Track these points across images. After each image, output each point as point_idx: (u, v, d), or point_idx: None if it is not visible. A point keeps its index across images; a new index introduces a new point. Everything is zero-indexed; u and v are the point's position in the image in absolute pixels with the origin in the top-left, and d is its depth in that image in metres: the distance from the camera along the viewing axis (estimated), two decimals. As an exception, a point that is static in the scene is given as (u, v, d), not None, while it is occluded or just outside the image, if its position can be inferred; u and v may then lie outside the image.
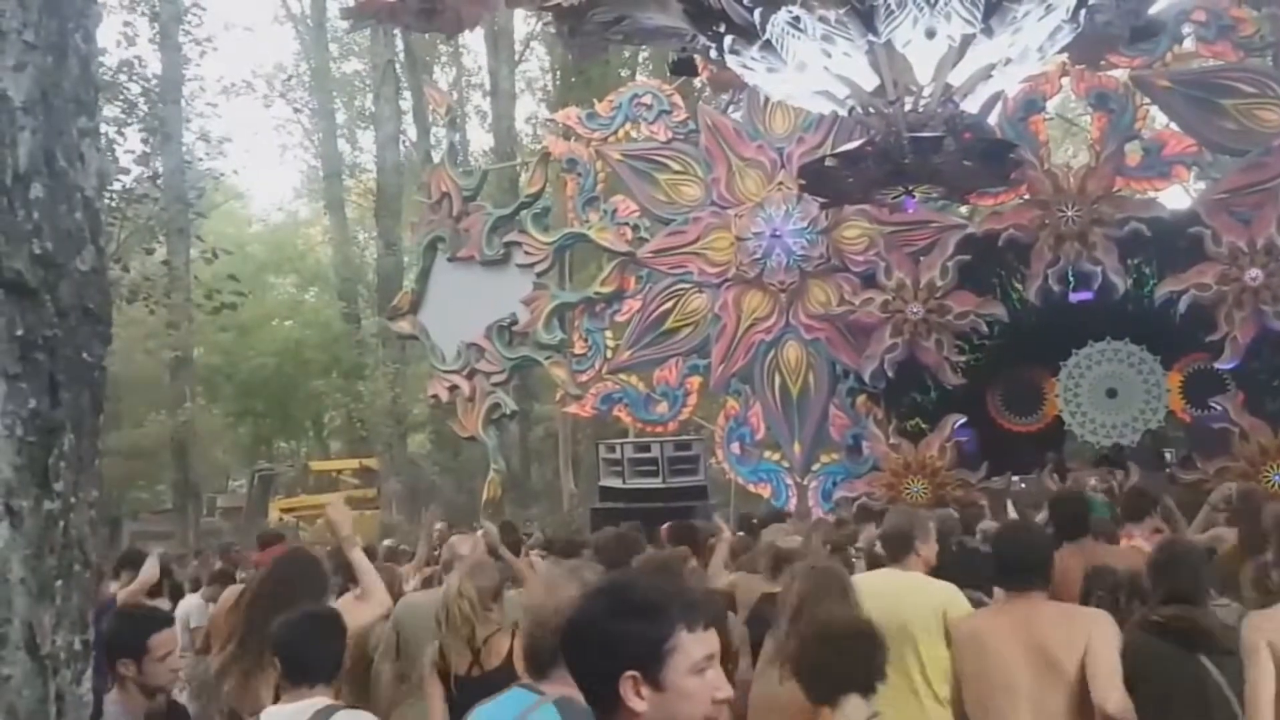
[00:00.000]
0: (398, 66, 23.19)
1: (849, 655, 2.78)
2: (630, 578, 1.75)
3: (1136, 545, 4.91)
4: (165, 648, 3.14)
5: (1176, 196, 12.26)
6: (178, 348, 19.44)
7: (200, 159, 19.60)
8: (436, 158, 15.33)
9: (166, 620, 3.38)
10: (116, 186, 13.18)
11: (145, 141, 15.94)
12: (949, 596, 3.76)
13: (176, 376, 20.27)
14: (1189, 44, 10.40)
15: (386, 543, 11.03)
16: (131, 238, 14.40)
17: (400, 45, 22.69)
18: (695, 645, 1.59)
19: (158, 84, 16.26)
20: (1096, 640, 3.19)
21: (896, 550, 4.06)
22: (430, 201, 13.08)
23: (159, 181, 16.15)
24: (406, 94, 24.33)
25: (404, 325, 13.37)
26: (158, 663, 3.09)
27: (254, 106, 31.95)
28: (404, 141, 25.30)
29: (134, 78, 14.76)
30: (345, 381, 24.61)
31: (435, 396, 13.08)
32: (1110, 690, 3.08)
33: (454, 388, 12.67)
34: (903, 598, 3.74)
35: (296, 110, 29.20)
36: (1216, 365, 9.86)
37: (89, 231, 1.05)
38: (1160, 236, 9.97)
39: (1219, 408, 9.73)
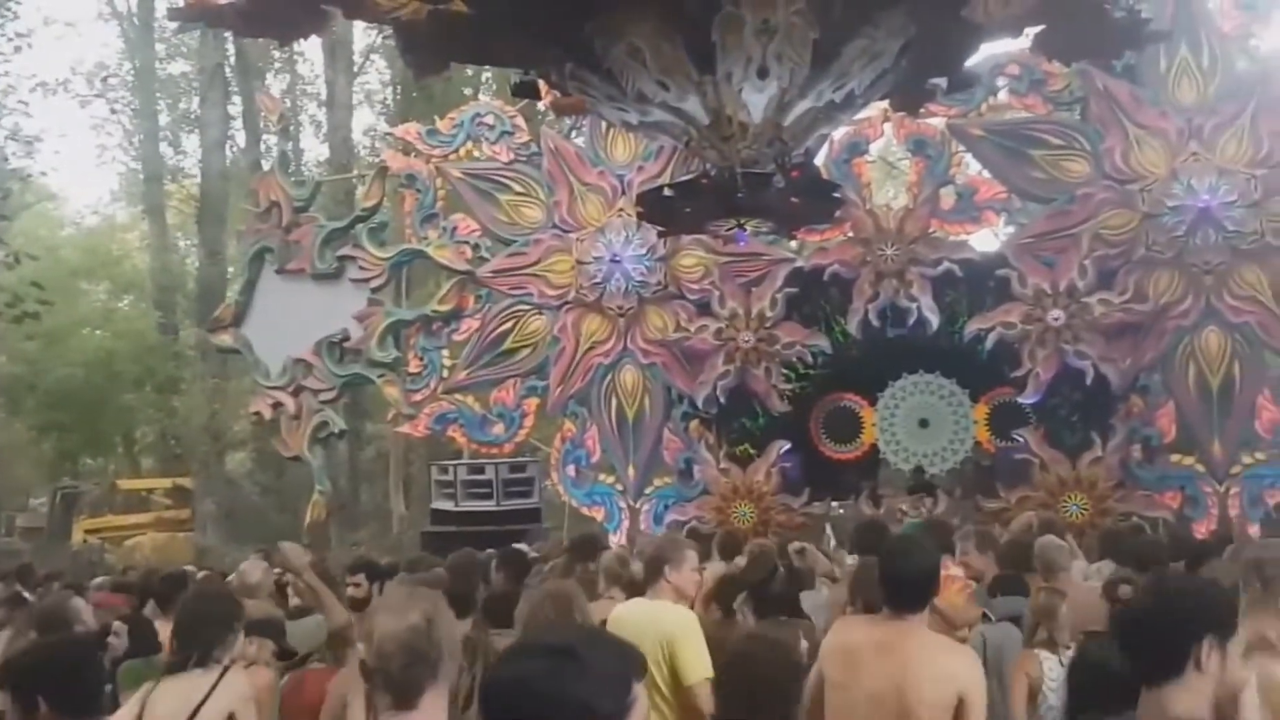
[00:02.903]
0: (227, 70, 22.31)
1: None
2: (585, 635, 1.69)
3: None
4: None
5: (986, 240, 13.04)
6: (-24, 355, 18.04)
7: (8, 159, 18.31)
8: (267, 166, 14.79)
9: None
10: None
11: (-52, 140, 14.78)
12: (683, 621, 3.79)
13: (-26, 386, 18.78)
14: (1002, 96, 11.00)
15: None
16: (-72, 240, 13.29)
17: (231, 48, 21.85)
18: (642, 695, 1.61)
19: (-35, 81, 15.10)
20: (977, 701, 3.05)
21: (649, 576, 4.08)
22: (258, 210, 12.61)
23: (-39, 182, 15.00)
24: (236, 98, 23.44)
25: (225, 338, 12.80)
26: None
27: (72, 106, 30.08)
28: (232, 147, 24.34)
29: (-61, 74, 13.66)
30: (159, 396, 23.41)
31: (258, 413, 12.58)
32: None
33: (278, 405, 12.21)
34: (641, 627, 3.75)
35: (114, 111, 27.78)
36: (1020, 399, 10.51)
37: None
38: (971, 277, 10.57)
39: (1021, 440, 10.37)
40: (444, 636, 2.10)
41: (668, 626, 3.71)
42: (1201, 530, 9.37)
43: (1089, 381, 10.10)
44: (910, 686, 3.00)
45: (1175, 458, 10.21)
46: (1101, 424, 10.14)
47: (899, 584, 3.15)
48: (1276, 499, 9.87)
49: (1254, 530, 9.38)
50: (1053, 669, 4.03)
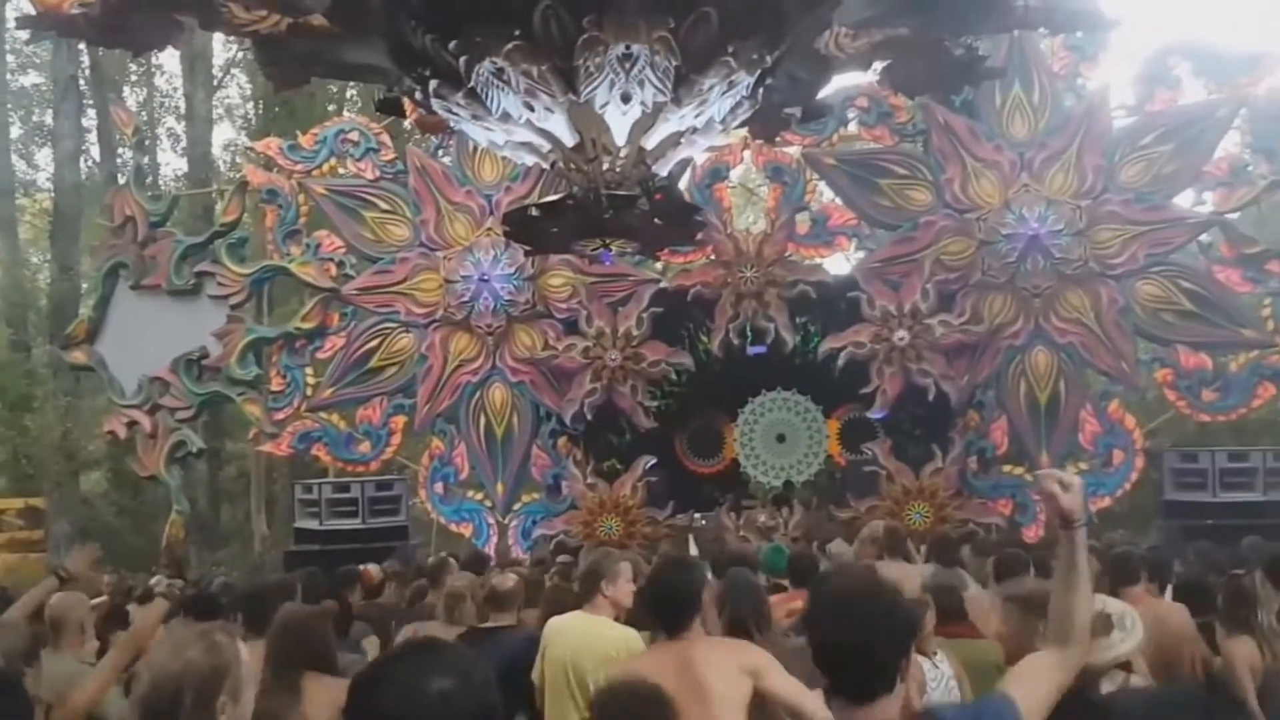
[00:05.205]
0: (82, 82, 21.51)
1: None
2: (453, 651, 1.68)
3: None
4: None
5: (839, 263, 13.64)
6: None
7: None
8: (122, 180, 14.35)
9: None
10: None
11: None
12: (623, 644, 3.78)
13: None
14: (853, 127, 11.56)
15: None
16: None
17: (86, 60, 21.08)
18: None
19: None
20: (773, 671, 3.08)
21: (586, 591, 4.06)
22: (113, 225, 12.24)
23: None
24: (91, 111, 22.60)
25: (78, 355, 12.36)
26: None
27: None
28: (87, 161, 23.42)
29: None
30: (10, 414, 22.15)
31: (112, 433, 12.18)
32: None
33: (133, 424, 11.85)
34: (580, 643, 3.79)
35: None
36: (868, 414, 11.07)
37: None
38: (824, 299, 11.07)
39: (870, 452, 10.89)
40: (229, 674, 2.00)
41: (607, 646, 3.71)
42: (1030, 534, 10.04)
43: (931, 398, 10.68)
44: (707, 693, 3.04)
45: (1007, 468, 10.93)
46: (941, 437, 10.73)
47: (674, 602, 3.26)
48: (1098, 506, 10.64)
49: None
50: (928, 670, 4.28)
